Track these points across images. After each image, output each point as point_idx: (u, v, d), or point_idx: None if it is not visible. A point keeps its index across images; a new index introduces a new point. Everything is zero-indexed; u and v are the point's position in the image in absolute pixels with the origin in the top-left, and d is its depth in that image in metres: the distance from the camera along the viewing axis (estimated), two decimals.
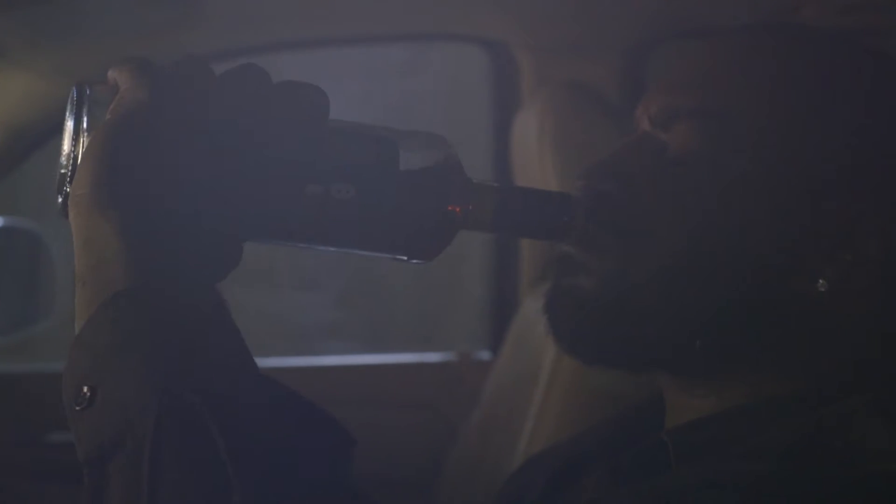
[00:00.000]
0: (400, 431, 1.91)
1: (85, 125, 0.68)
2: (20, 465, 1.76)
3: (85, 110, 0.68)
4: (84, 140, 0.68)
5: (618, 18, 1.70)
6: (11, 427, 1.79)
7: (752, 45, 0.84)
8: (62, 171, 0.68)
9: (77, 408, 0.62)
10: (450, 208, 0.72)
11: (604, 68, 1.70)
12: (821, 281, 0.76)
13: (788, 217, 0.77)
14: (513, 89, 1.84)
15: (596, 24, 1.72)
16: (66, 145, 0.68)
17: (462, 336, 3.02)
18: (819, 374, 0.77)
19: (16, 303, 1.81)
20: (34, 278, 1.80)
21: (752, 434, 0.75)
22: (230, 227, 0.68)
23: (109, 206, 0.65)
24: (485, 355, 1.98)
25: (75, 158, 0.67)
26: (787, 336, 0.78)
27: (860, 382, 0.76)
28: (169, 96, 0.67)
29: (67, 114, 0.69)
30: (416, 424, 1.93)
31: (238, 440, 0.60)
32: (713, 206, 0.77)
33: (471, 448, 1.79)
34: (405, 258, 0.74)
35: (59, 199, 0.68)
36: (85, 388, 0.62)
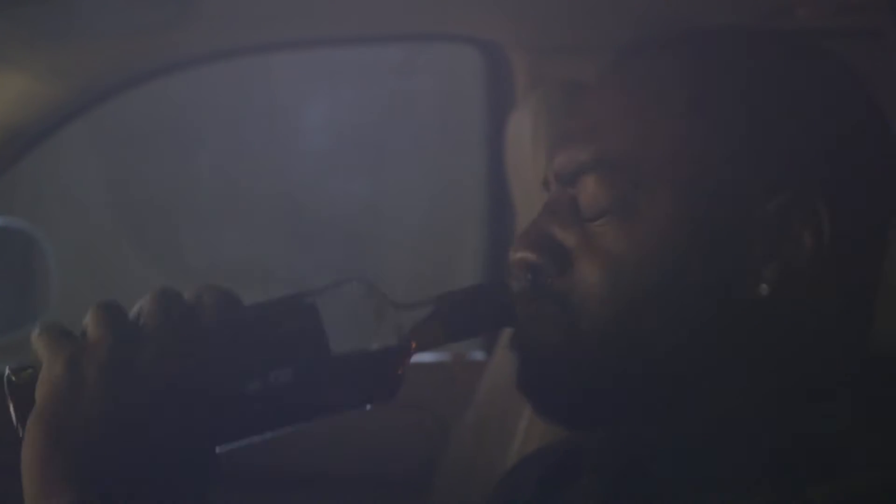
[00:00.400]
0: (394, 431, 1.91)
1: (15, 419, 0.69)
2: (16, 465, 1.76)
3: (12, 405, 0.69)
4: (21, 432, 0.68)
5: (613, 17, 1.70)
6: (9, 427, 1.79)
7: (635, 77, 0.83)
8: None
9: None
10: (398, 372, 0.73)
11: (598, 68, 1.70)
12: (763, 286, 0.76)
13: (719, 235, 0.76)
14: (507, 89, 1.84)
15: (591, 23, 1.72)
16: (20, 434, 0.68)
17: None
18: (786, 378, 0.77)
19: (10, 303, 1.81)
20: (29, 279, 1.80)
21: (740, 439, 0.75)
22: (188, 469, 0.67)
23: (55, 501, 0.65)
24: (479, 355, 1.98)
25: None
26: (746, 345, 0.77)
27: (829, 383, 0.76)
28: (84, 364, 0.67)
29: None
30: (411, 424, 1.93)
31: None
32: (641, 250, 0.77)
33: (465, 448, 1.79)
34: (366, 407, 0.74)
35: None
36: None
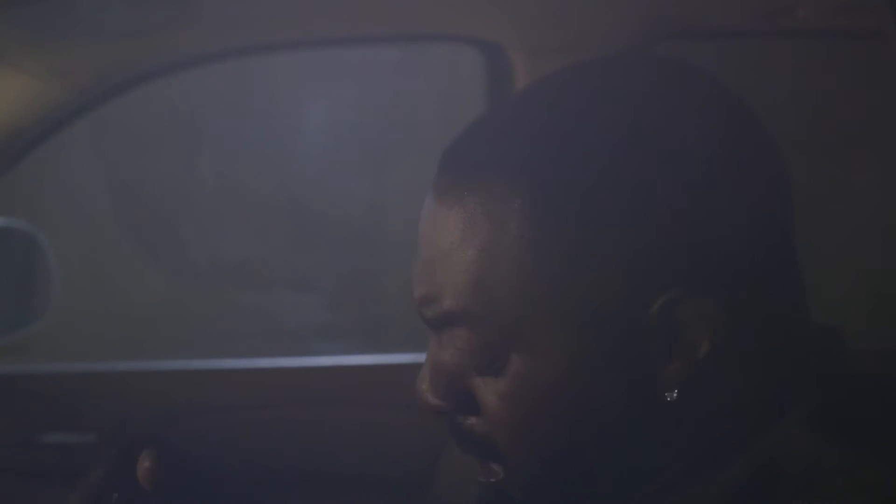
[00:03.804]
0: (394, 431, 1.91)
1: None
2: (16, 465, 1.76)
3: None
4: None
5: (613, 18, 1.70)
6: (7, 427, 1.79)
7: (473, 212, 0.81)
8: None
9: None
10: None
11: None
12: (674, 392, 0.75)
13: (612, 345, 0.75)
14: (507, 90, 1.84)
15: (590, 24, 1.72)
16: None
17: None
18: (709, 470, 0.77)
19: (11, 304, 1.81)
20: (29, 279, 1.80)
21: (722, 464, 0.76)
22: None
23: None
24: None
25: None
26: (669, 445, 0.77)
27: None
28: None
29: None
30: (411, 424, 1.93)
31: None
32: (542, 385, 0.76)
33: None
34: None
35: None
36: None
